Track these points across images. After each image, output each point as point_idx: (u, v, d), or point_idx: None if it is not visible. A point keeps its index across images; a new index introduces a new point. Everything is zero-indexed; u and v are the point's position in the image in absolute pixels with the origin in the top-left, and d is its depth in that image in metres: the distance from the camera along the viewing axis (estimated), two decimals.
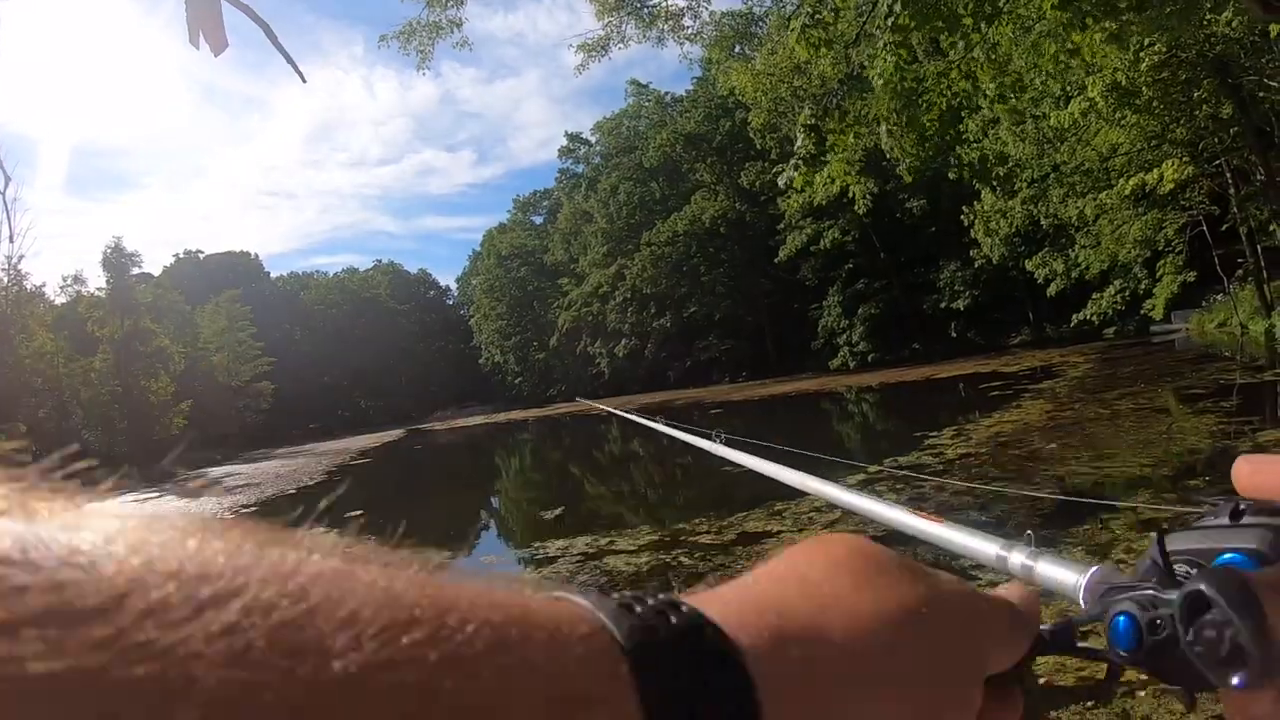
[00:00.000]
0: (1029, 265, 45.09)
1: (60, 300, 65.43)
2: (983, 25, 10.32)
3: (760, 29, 34.71)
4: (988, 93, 10.72)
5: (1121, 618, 0.58)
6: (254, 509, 25.88)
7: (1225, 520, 0.61)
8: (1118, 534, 8.45)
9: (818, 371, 63.54)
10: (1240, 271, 36.94)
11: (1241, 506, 0.62)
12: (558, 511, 16.94)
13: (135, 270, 67.33)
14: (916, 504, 11.27)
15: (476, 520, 20.53)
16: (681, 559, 10.52)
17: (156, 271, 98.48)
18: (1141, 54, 20.75)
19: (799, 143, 10.81)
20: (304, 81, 5.60)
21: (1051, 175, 36.62)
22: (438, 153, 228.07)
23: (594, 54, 21.33)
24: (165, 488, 41.20)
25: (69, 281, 66.17)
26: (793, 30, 10.88)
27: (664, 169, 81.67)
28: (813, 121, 11.03)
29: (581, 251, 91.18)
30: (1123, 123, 27.73)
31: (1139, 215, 36.44)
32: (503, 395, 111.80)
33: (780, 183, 11.33)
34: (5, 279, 49.49)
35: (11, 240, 48.73)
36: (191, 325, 76.85)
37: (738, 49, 37.95)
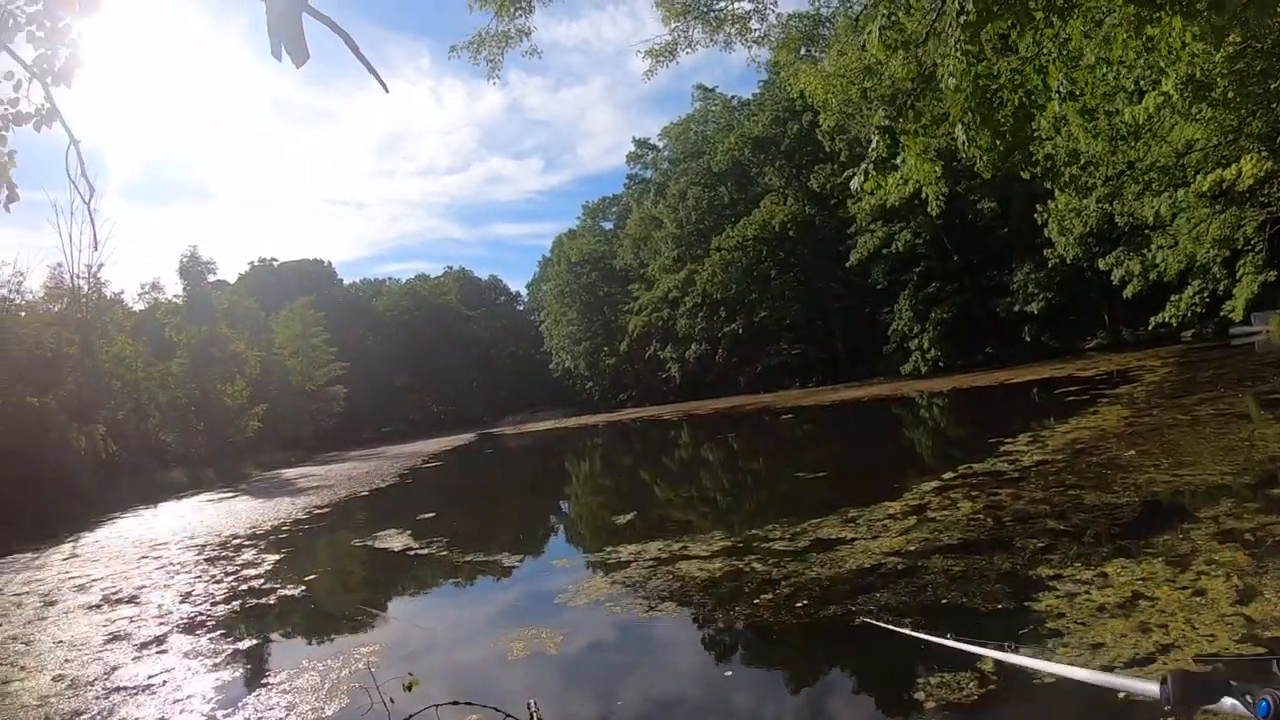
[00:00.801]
0: (1103, 265, 44.21)
1: (139, 307, 66.68)
2: (1054, 19, 10.19)
3: (827, 30, 34.55)
4: (1059, 90, 10.56)
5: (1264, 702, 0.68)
6: (327, 510, 26.21)
7: None
8: (1199, 545, 8.27)
9: (889, 376, 63.09)
10: None
11: None
12: (629, 516, 16.97)
13: (211, 277, 68.50)
14: (995, 512, 11.17)
15: (547, 524, 20.64)
16: (755, 565, 10.48)
17: (232, 279, 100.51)
18: (1216, 46, 20.33)
19: (873, 145, 10.72)
20: (387, 91, 5.68)
21: (1126, 172, 35.96)
22: (505, 160, 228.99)
23: (661, 59, 21.30)
24: (240, 488, 42.02)
25: (147, 289, 67.39)
26: (869, 32, 10.80)
27: (732, 173, 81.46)
28: (887, 123, 10.94)
29: (651, 257, 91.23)
30: (1198, 117, 27.16)
31: (1217, 213, 35.60)
32: (573, 400, 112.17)
33: (852, 187, 11.23)
34: (86, 286, 50.59)
35: (96, 248, 49.79)
36: (266, 331, 78.11)
37: (804, 51, 37.79)
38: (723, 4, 20.78)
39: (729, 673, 7.51)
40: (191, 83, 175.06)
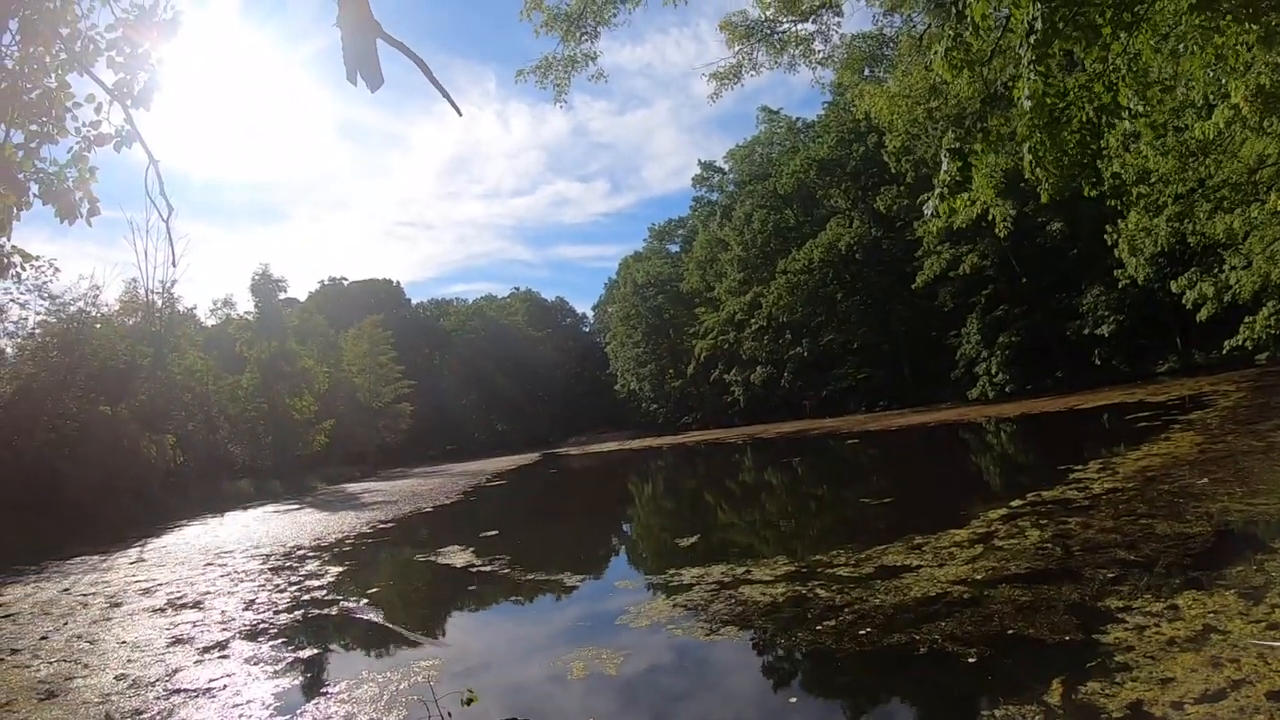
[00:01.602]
0: (1175, 287, 43.44)
1: (211, 322, 68.25)
2: (1122, 34, 10.09)
3: (891, 51, 34.38)
4: (1131, 107, 10.43)
5: None
6: (391, 525, 26.43)
7: None
8: (1274, 576, 8.08)
9: (956, 401, 62.32)
10: None
11: None
12: (692, 539, 16.91)
13: (282, 295, 69.81)
14: (1064, 541, 11.00)
15: (609, 545, 20.63)
16: (819, 591, 10.40)
17: (302, 297, 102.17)
18: None
19: (944, 168, 10.64)
20: (460, 114, 5.79)
21: (1197, 190, 35.35)
22: (570, 183, 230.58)
23: (726, 82, 21.40)
24: (305, 500, 42.55)
25: (219, 305, 68.99)
26: (935, 53, 10.75)
27: (798, 195, 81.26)
28: (957, 145, 10.87)
29: (717, 279, 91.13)
30: (1269, 131, 26.64)
31: None
32: (637, 422, 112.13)
33: (925, 211, 11.15)
34: (160, 301, 51.66)
35: (174, 264, 50.90)
36: (335, 348, 79.08)
37: (868, 71, 37.63)
38: (786, 26, 20.87)
39: (792, 699, 7.45)
40: (264, 106, 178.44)
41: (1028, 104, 10.33)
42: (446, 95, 5.53)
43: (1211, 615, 7.27)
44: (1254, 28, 10.77)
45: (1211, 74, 12.11)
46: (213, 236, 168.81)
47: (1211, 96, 22.82)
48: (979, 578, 9.87)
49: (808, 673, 8.06)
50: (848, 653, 8.01)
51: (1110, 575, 9.07)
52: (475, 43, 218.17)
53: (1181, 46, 10.78)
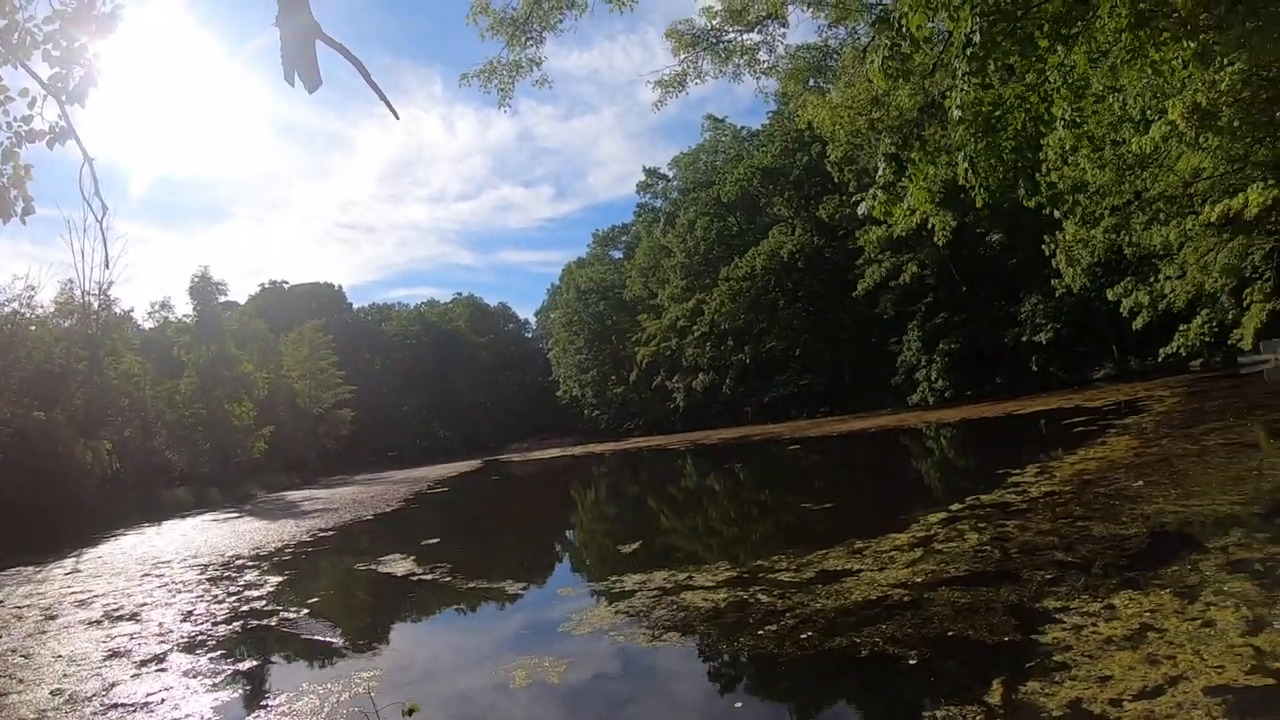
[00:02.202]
0: (1111, 295, 44.16)
1: (148, 325, 67.18)
2: (1059, 48, 10.22)
3: (835, 62, 34.64)
4: (1066, 117, 10.57)
5: None
6: (331, 533, 26.19)
7: None
8: (1207, 575, 8.23)
9: (897, 406, 62.96)
10: None
11: None
12: (634, 546, 16.91)
13: (221, 298, 69.13)
14: (1002, 544, 11.12)
15: (552, 552, 20.58)
16: (760, 596, 10.42)
17: (242, 300, 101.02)
18: (1220, 74, 20.33)
19: (880, 171, 10.74)
20: (397, 118, 5.74)
21: (1133, 202, 35.96)
22: (515, 188, 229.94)
23: (671, 90, 21.47)
24: (245, 508, 42.04)
25: (157, 307, 67.75)
26: (871, 62, 10.84)
27: (741, 203, 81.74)
28: (893, 150, 10.96)
29: (660, 286, 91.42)
30: (1204, 146, 27.14)
31: (1225, 242, 35.57)
32: (580, 428, 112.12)
33: (859, 212, 11.25)
34: (96, 303, 50.77)
35: (107, 265, 50.05)
36: (275, 352, 78.20)
37: (813, 82, 37.90)
38: (732, 36, 20.98)
39: (737, 704, 7.44)
40: (206, 105, 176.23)
41: (957, 113, 10.45)
42: (384, 98, 5.49)
43: (1148, 614, 7.37)
44: (1190, 45, 10.97)
45: (1149, 90, 12.32)
46: (152, 236, 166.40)
47: (1149, 112, 23.25)
48: (919, 581, 9.94)
49: (751, 677, 8.07)
50: (790, 657, 8.02)
51: (1048, 576, 9.17)
52: (422, 45, 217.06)
53: (1119, 62, 10.92)
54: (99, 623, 14.00)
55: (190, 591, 16.71)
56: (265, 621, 12.98)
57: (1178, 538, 10.44)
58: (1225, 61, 18.61)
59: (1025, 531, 11.81)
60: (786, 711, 7.32)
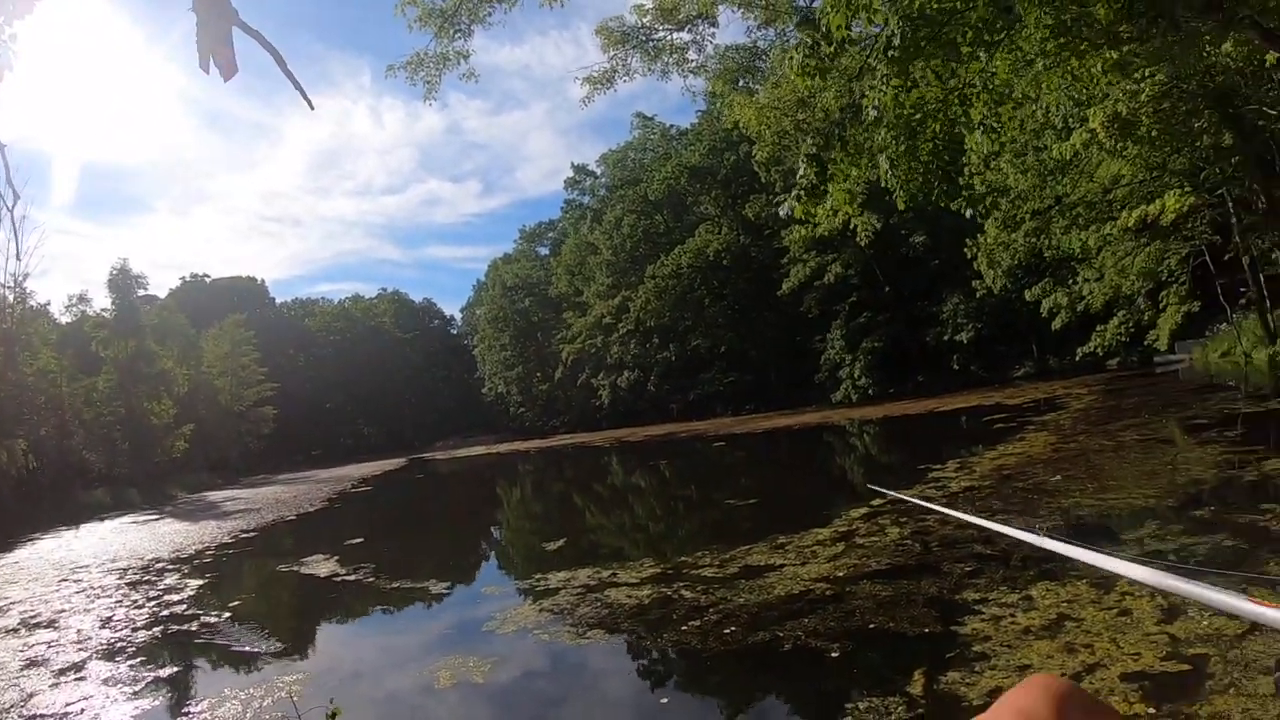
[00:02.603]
0: (1030, 296, 45.05)
1: (65, 319, 65.51)
2: (981, 54, 10.35)
3: (764, 63, 34.86)
4: (986, 123, 10.72)
5: None
6: (253, 534, 25.81)
7: None
8: None
9: (821, 404, 63.42)
10: (1243, 301, 36.97)
11: None
12: (559, 543, 16.85)
13: (141, 292, 67.04)
14: (922, 538, 11.26)
15: (477, 550, 20.47)
16: (684, 592, 10.44)
17: (162, 294, 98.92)
18: (1141, 85, 20.79)
19: (800, 172, 10.80)
20: (312, 108, 5.62)
21: (1054, 207, 36.66)
22: (443, 183, 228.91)
23: (599, 87, 21.43)
24: (165, 510, 41.26)
25: (74, 301, 66.05)
26: (791, 61, 10.91)
27: (668, 201, 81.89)
28: (815, 151, 11.02)
29: (585, 283, 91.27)
30: (1124, 154, 27.74)
31: (1142, 247, 36.48)
32: (505, 425, 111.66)
33: (781, 213, 11.32)
34: (10, 296, 49.47)
35: (19, 258, 48.79)
36: (195, 348, 76.75)
37: (741, 82, 38.09)
38: (662, 34, 20.99)
39: (663, 700, 7.45)
40: (130, 91, 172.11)
41: (874, 113, 10.55)
42: (299, 88, 5.38)
43: (1065, 605, 7.50)
44: (1111, 54, 11.17)
45: (1070, 98, 12.51)
46: (71, 228, 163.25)
47: (1070, 120, 23.70)
48: (841, 575, 10.03)
49: (676, 673, 8.09)
50: (714, 652, 8.05)
51: (967, 569, 9.30)
52: (352, 35, 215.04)
53: (1043, 69, 11.09)
54: (15, 631, 13.64)
55: (109, 597, 16.33)
56: (186, 626, 12.73)
57: (1094, 530, 10.63)
58: (1147, 73, 19.06)
59: (945, 525, 11.94)
60: (713, 706, 7.34)
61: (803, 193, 10.88)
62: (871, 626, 7.91)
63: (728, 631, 8.51)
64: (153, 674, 10.08)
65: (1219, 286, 36.85)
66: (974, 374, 57.91)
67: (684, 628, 8.91)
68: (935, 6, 9.89)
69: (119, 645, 11.75)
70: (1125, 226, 34.03)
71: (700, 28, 21.13)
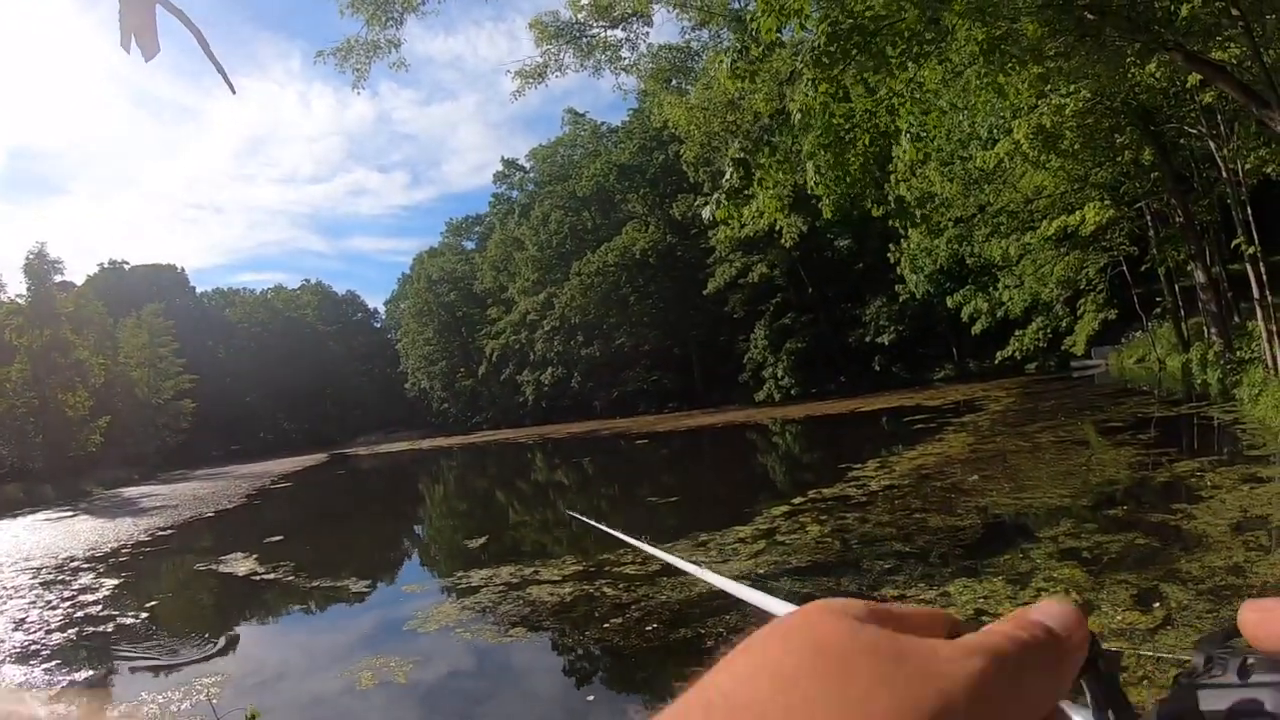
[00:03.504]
0: (951, 302, 45.73)
1: None
2: (910, 64, 10.46)
3: (697, 64, 34.94)
4: (909, 130, 10.85)
5: None
6: (171, 532, 25.37)
7: (1234, 678, 0.56)
8: (1038, 563, 8.60)
9: (744, 403, 63.92)
10: (1158, 310, 37.85)
11: (1250, 661, 0.56)
12: (481, 540, 16.79)
13: (58, 278, 64.77)
14: (843, 535, 11.37)
15: (398, 548, 20.33)
16: (605, 590, 10.47)
17: (79, 280, 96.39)
18: (1066, 100, 21.19)
19: (726, 175, 10.84)
20: (233, 92, 5.49)
21: (977, 215, 37.23)
22: (370, 173, 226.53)
23: (531, 81, 21.32)
24: (80, 506, 40.37)
25: None
26: (721, 64, 10.96)
27: (597, 198, 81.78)
28: (741, 155, 11.08)
29: (511, 279, 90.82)
30: (1047, 166, 28.20)
31: (1062, 256, 37.20)
32: (428, 421, 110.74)
33: (704, 215, 11.35)
34: None
35: None
36: (112, 338, 74.84)
37: (674, 82, 38.14)
38: (596, 31, 20.92)
39: (589, 696, 7.47)
40: (53, 66, 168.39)
41: (798, 116, 10.63)
42: (221, 71, 5.27)
43: (982, 600, 7.67)
44: (1036, 69, 11.36)
45: (996, 110, 12.74)
46: None
47: (996, 131, 24.10)
48: (762, 571, 10.13)
49: (600, 669, 8.15)
50: (637, 649, 8.10)
51: (886, 566, 9.45)
52: (283, 18, 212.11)
53: (971, 84, 11.25)
54: None
55: (22, 597, 15.99)
56: (102, 628, 12.50)
57: (1011, 528, 10.86)
58: (1071, 88, 19.41)
59: (865, 523, 12.12)
60: (637, 702, 7.35)
61: (723, 196, 10.92)
62: None
63: (650, 628, 8.56)
64: (68, 677, 9.91)
65: (1135, 295, 37.65)
66: (895, 375, 58.67)
67: (606, 625, 8.94)
68: (865, 14, 9.99)
69: (33, 648, 11.54)
70: (1046, 236, 34.65)
71: (635, 26, 21.11)
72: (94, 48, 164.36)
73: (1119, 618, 6.66)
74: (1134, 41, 12.34)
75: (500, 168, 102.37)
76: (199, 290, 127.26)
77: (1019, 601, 7.42)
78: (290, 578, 15.09)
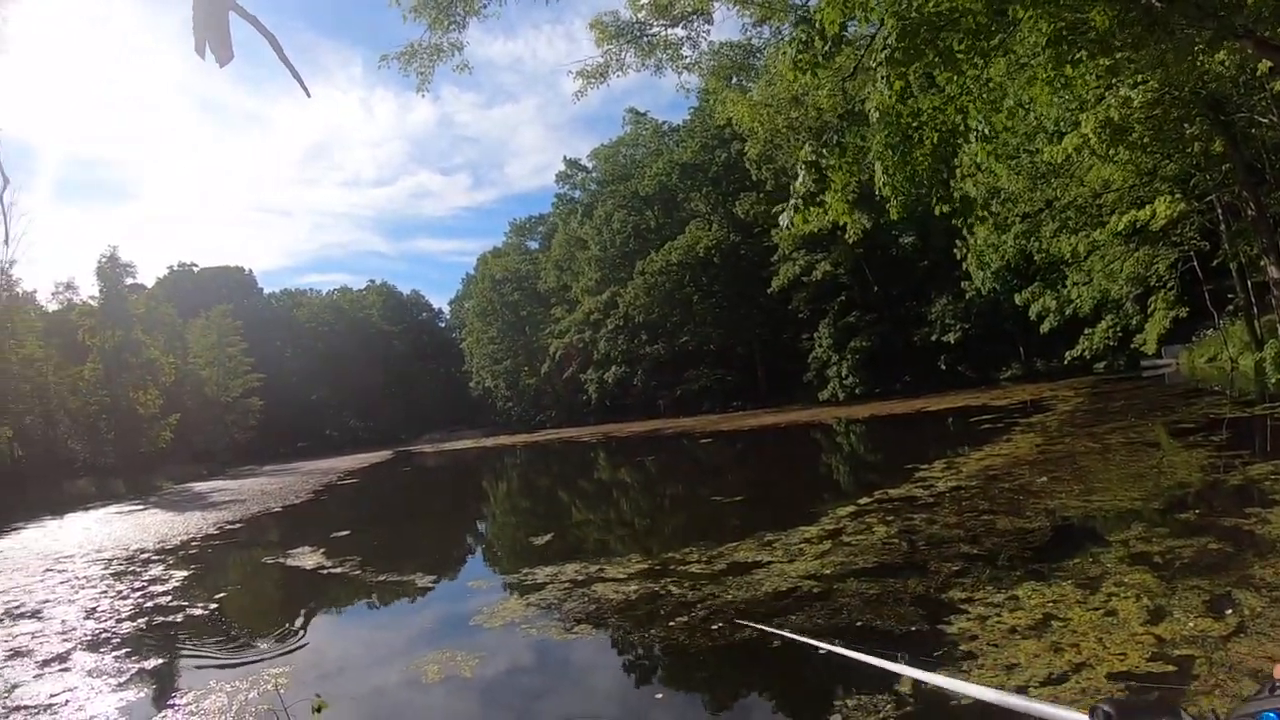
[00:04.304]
0: (1019, 299, 45.12)
1: (52, 307, 64.81)
2: (978, 60, 10.35)
3: (758, 60, 34.80)
4: (978, 130, 10.72)
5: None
6: (239, 526, 25.75)
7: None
8: (1108, 567, 8.47)
9: (808, 403, 63.53)
10: (1230, 307, 37.14)
11: None
12: (547, 538, 16.85)
13: (129, 280, 66.47)
14: (909, 536, 11.28)
15: (463, 544, 20.45)
16: (671, 588, 10.47)
17: (150, 282, 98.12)
18: (1134, 91, 20.84)
19: (799, 179, 10.79)
20: (309, 96, 5.58)
21: (1044, 210, 36.72)
22: (433, 175, 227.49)
23: (592, 81, 21.36)
24: (150, 500, 41.09)
25: (61, 288, 65.47)
26: (784, 55, 10.91)
27: (659, 197, 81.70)
28: (813, 158, 11.03)
29: (574, 278, 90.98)
30: (1115, 159, 27.76)
31: (1131, 251, 36.56)
32: (492, 419, 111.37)
33: (781, 223, 11.31)
34: None
35: (6, 243, 48.52)
36: (182, 338, 76.11)
37: (735, 80, 38.04)
38: (656, 30, 20.92)
39: (657, 695, 7.47)
40: (121, 79, 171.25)
41: (875, 114, 10.55)
42: (296, 75, 5.37)
43: (1050, 604, 7.56)
44: (1104, 62, 11.19)
45: (1064, 103, 12.55)
46: (59, 214, 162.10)
47: (1062, 124, 23.73)
48: (828, 572, 10.07)
49: (664, 668, 8.12)
50: (702, 648, 8.08)
51: (954, 568, 9.35)
52: (344, 25, 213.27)
53: (1037, 78, 11.09)
54: None
55: (94, 587, 16.27)
56: (171, 618, 12.69)
57: (1080, 531, 10.71)
58: (1139, 79, 19.09)
59: (932, 525, 12.01)
60: (700, 702, 7.35)
61: (800, 201, 10.87)
62: (859, 624, 7.95)
63: (715, 628, 8.54)
64: (137, 665, 10.04)
65: (1206, 292, 36.97)
66: (961, 375, 58.03)
67: (671, 623, 8.93)
68: (931, 9, 9.90)
69: (103, 636, 11.71)
70: (1115, 231, 34.11)
71: (695, 24, 21.08)
72: (161, 58, 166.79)
73: (1191, 624, 6.55)
74: (1203, 29, 12.11)
75: (562, 168, 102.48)
76: (266, 291, 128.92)
77: (1089, 607, 7.33)
78: (356, 572, 15.23)
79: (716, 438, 43.18)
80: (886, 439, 32.93)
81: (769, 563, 11.02)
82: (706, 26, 21.21)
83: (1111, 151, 24.85)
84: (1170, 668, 5.81)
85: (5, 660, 10.80)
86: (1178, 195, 31.71)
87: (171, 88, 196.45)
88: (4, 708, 8.77)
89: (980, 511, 12.51)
